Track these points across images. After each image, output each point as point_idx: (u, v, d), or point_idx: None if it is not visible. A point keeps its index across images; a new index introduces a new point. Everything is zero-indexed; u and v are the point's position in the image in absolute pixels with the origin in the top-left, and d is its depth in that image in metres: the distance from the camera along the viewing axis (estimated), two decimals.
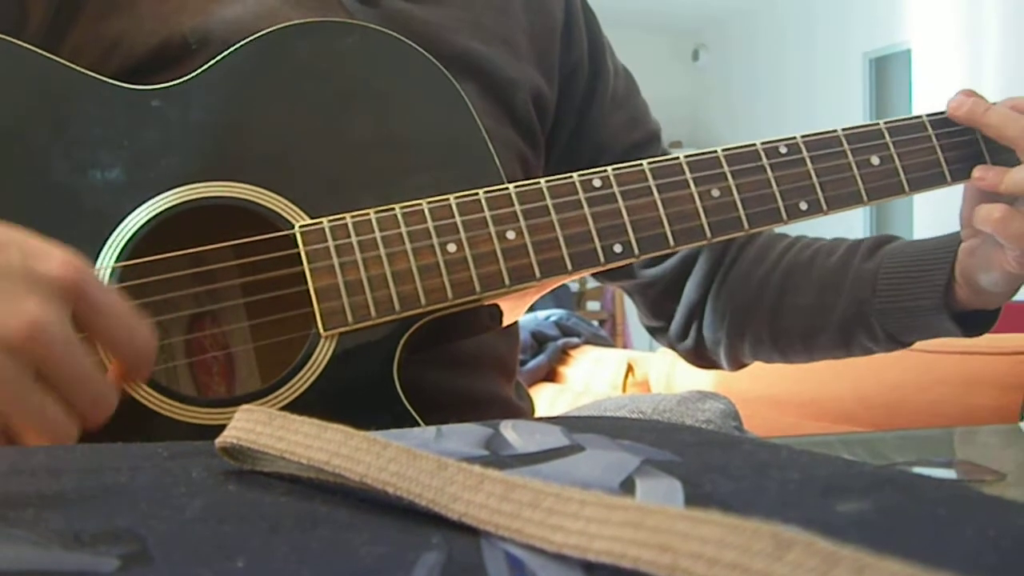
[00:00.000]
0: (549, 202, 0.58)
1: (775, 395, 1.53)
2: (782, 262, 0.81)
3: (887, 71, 5.91)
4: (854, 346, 0.77)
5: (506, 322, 0.64)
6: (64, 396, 0.42)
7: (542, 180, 0.58)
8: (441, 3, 0.73)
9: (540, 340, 2.49)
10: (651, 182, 0.59)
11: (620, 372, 2.19)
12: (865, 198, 0.63)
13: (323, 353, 0.55)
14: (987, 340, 1.37)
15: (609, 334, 3.69)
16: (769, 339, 0.81)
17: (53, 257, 0.43)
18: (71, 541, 0.23)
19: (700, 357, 0.88)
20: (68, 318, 0.43)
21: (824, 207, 0.62)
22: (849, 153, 0.63)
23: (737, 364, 0.85)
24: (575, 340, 2.54)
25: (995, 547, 0.22)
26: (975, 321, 0.70)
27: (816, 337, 0.78)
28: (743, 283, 0.82)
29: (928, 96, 5.16)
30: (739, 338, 0.83)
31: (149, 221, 0.54)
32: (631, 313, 4.07)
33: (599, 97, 0.83)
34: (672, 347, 0.90)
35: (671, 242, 0.59)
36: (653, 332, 0.91)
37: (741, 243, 0.85)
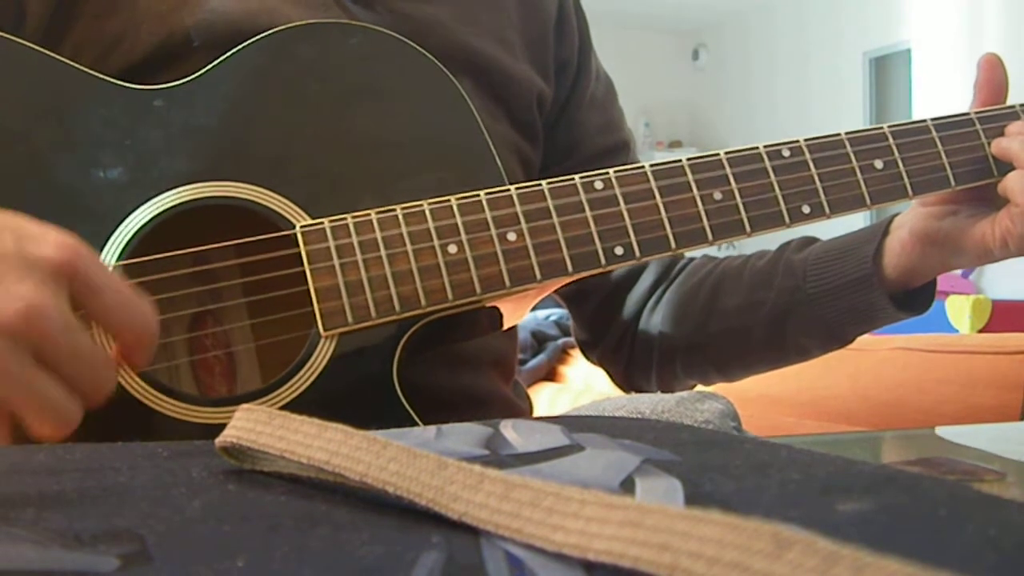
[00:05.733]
0: (550, 204, 0.58)
1: (775, 395, 1.53)
2: (715, 271, 0.81)
3: (887, 71, 5.91)
4: (788, 345, 0.75)
5: (507, 324, 0.64)
6: (65, 378, 0.42)
7: (543, 182, 0.58)
8: (433, 1, 0.73)
9: (540, 339, 2.49)
10: (653, 184, 0.59)
11: None
12: (868, 202, 0.62)
13: (323, 353, 0.55)
14: (987, 340, 1.37)
15: None
16: (701, 349, 0.79)
17: (48, 239, 0.43)
18: (71, 541, 0.23)
19: (629, 378, 0.85)
20: (65, 300, 0.43)
21: (827, 211, 0.62)
22: (852, 156, 0.63)
23: (666, 387, 0.83)
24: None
25: (995, 547, 0.22)
26: (910, 303, 0.70)
27: (748, 338, 0.76)
28: (676, 296, 0.81)
29: (928, 96, 5.16)
30: (671, 353, 0.81)
31: (151, 220, 0.55)
32: None
33: (579, 96, 0.83)
34: (602, 364, 0.88)
35: (673, 244, 0.59)
36: (585, 347, 0.88)
37: (687, 261, 0.85)
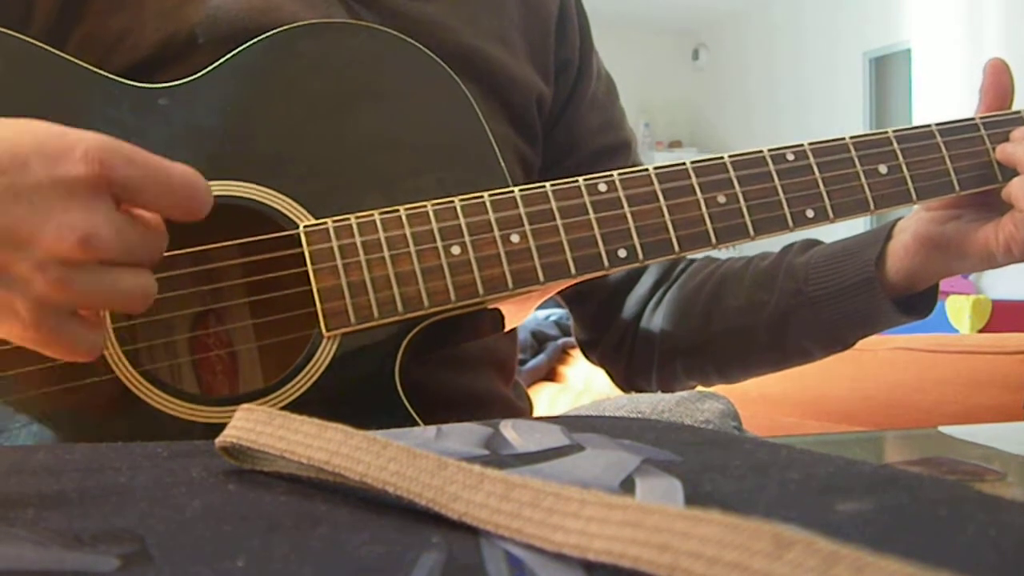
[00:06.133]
0: (554, 206, 0.58)
1: (775, 395, 1.53)
2: (717, 273, 0.81)
3: (887, 70, 5.91)
4: (790, 348, 0.75)
5: (508, 326, 0.64)
6: (135, 263, 0.44)
7: (547, 184, 0.58)
8: (435, 1, 0.73)
9: (540, 339, 2.49)
10: (657, 187, 0.59)
11: None
12: (872, 206, 0.62)
13: (325, 353, 0.55)
14: (988, 340, 1.37)
15: None
16: (702, 350, 0.79)
17: (75, 154, 0.42)
18: (71, 541, 0.23)
19: (629, 378, 0.85)
20: (111, 208, 0.43)
21: (831, 215, 0.61)
22: (857, 161, 0.62)
23: (667, 387, 0.83)
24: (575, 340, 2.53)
25: (995, 547, 0.22)
26: (913, 307, 0.70)
27: (749, 340, 0.76)
28: (678, 296, 0.81)
29: (928, 96, 5.16)
30: (671, 354, 0.81)
31: None
32: None
33: (580, 96, 0.83)
34: (603, 365, 0.88)
35: (676, 247, 0.59)
36: (585, 347, 0.88)
37: (688, 262, 0.85)
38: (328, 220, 0.55)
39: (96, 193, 0.42)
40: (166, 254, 0.53)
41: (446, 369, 0.67)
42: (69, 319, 0.43)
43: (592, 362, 0.89)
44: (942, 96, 4.98)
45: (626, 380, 0.86)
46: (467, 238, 0.56)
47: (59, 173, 0.42)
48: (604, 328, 0.85)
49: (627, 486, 0.28)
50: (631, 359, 0.84)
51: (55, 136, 0.43)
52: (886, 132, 0.64)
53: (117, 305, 0.45)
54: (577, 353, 2.56)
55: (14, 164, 0.42)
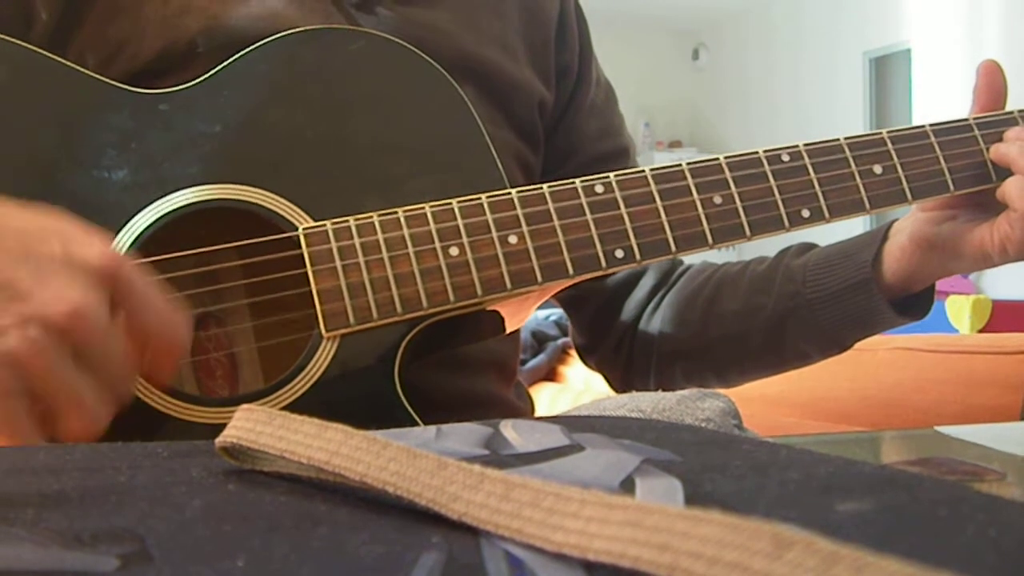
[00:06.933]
0: (551, 207, 0.58)
1: (775, 394, 1.53)
2: (714, 277, 0.81)
3: (887, 70, 5.91)
4: (788, 351, 0.75)
5: (508, 328, 0.65)
6: (98, 380, 0.44)
7: (544, 185, 0.58)
8: (435, 6, 0.73)
9: (540, 339, 2.48)
10: (653, 188, 0.59)
11: None
12: (868, 206, 0.62)
13: (325, 354, 0.55)
14: (987, 340, 1.37)
15: None
16: (700, 354, 0.79)
17: (93, 245, 0.44)
18: (71, 541, 0.23)
19: (627, 382, 0.85)
20: (107, 305, 0.44)
21: (826, 215, 0.62)
22: (852, 161, 0.63)
23: (665, 391, 0.83)
24: None
25: (995, 547, 0.22)
26: (909, 308, 0.70)
27: (747, 343, 0.76)
28: (675, 300, 0.81)
29: (928, 96, 5.16)
30: (669, 358, 0.81)
31: (155, 223, 0.55)
32: None
33: (579, 102, 0.83)
34: (600, 369, 0.87)
35: (673, 247, 0.59)
36: (583, 351, 0.88)
37: (686, 267, 0.85)
38: (327, 222, 0.56)
39: (100, 283, 0.44)
40: (167, 256, 0.54)
41: (446, 370, 0.67)
42: (19, 397, 0.42)
43: (590, 367, 0.89)
44: (942, 96, 4.98)
45: (624, 384, 0.86)
46: (465, 239, 0.56)
47: (74, 253, 0.43)
48: (602, 332, 0.85)
49: (627, 486, 0.28)
50: (629, 363, 0.84)
51: (81, 228, 0.45)
52: (880, 133, 0.64)
53: (68, 409, 0.43)
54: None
55: (36, 234, 0.44)
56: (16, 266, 0.42)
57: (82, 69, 0.57)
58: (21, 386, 0.42)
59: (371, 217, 0.56)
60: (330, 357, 0.55)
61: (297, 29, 0.60)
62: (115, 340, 0.44)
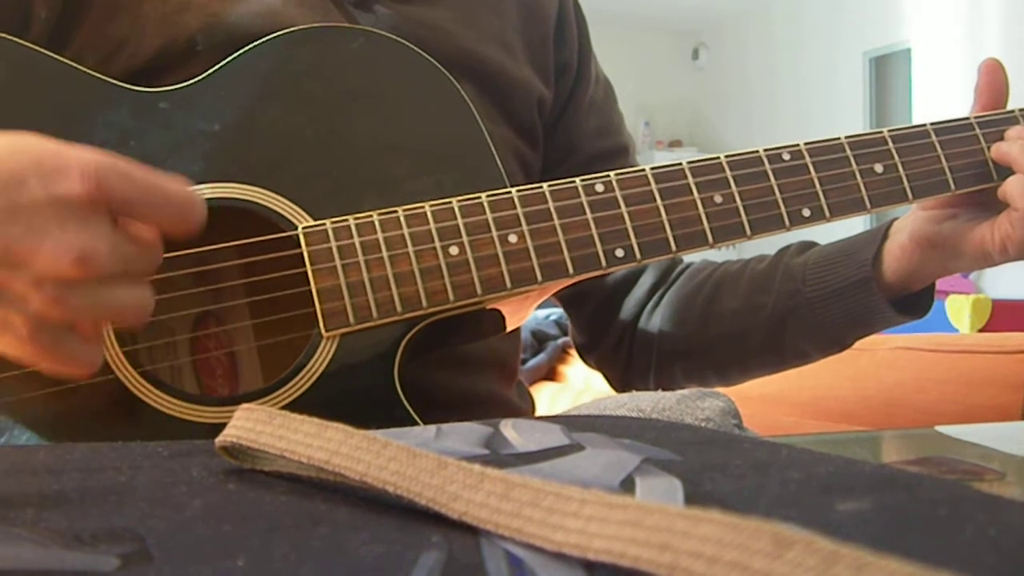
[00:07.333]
0: (551, 206, 0.58)
1: (775, 394, 1.53)
2: (714, 275, 0.81)
3: (887, 70, 5.91)
4: (788, 350, 0.75)
5: (508, 327, 0.64)
6: (129, 279, 0.44)
7: (544, 184, 0.58)
8: (434, 4, 0.73)
9: (540, 339, 2.49)
10: (654, 187, 0.59)
11: None
12: (868, 205, 0.62)
13: (325, 353, 0.55)
14: (987, 339, 1.37)
15: None
16: (700, 353, 0.79)
17: (71, 171, 0.42)
18: (71, 540, 0.23)
19: (627, 381, 0.85)
20: (108, 226, 0.43)
21: (827, 214, 0.62)
22: (852, 160, 0.62)
23: (664, 389, 0.82)
24: None
25: (995, 547, 0.22)
26: (909, 307, 0.70)
27: (746, 342, 0.76)
28: (675, 299, 0.81)
29: (928, 96, 5.16)
30: (669, 356, 0.81)
31: None
32: None
33: (578, 99, 0.83)
34: (600, 367, 0.87)
35: (673, 246, 0.59)
36: (582, 350, 0.88)
37: (686, 265, 0.85)
38: (327, 221, 0.55)
39: (93, 211, 0.42)
40: (166, 255, 0.53)
41: (447, 370, 0.67)
42: (66, 335, 0.43)
43: (590, 365, 0.89)
44: (942, 96, 4.98)
45: (623, 383, 0.86)
46: (465, 238, 0.56)
47: (56, 191, 0.42)
48: (602, 331, 0.85)
49: (627, 485, 0.28)
50: (629, 362, 0.84)
51: (52, 154, 0.43)
52: (881, 132, 0.64)
53: (114, 320, 0.46)
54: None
55: (12, 182, 0.42)
56: (5, 228, 0.41)
57: (81, 67, 0.57)
58: (63, 327, 0.43)
59: (371, 216, 0.56)
60: (330, 356, 0.55)
61: (296, 27, 0.60)
62: (128, 251, 0.44)
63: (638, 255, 0.58)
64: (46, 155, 0.43)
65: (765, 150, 0.62)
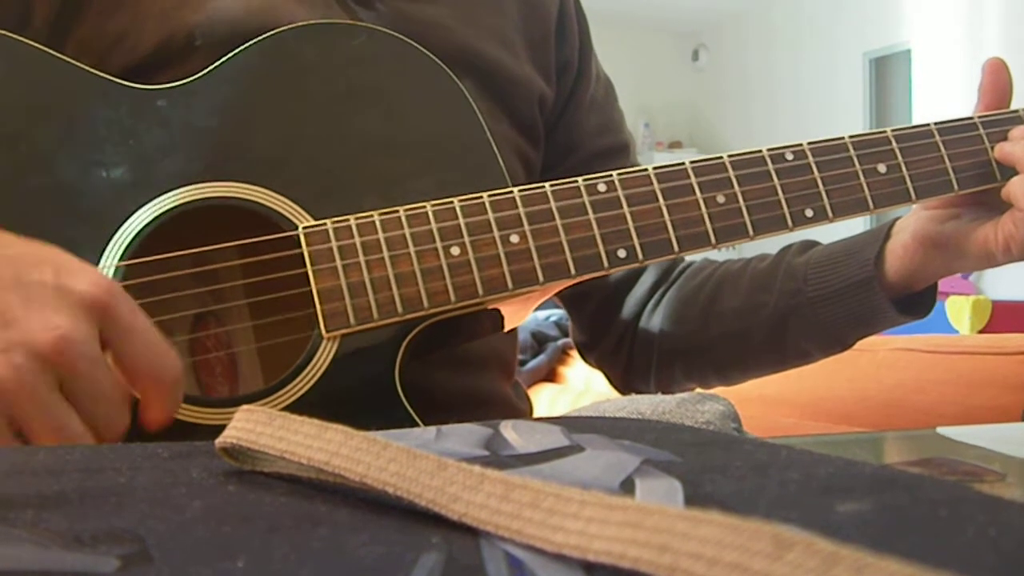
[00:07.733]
0: (553, 206, 0.58)
1: (775, 395, 1.53)
2: (715, 274, 0.81)
3: (887, 71, 5.91)
4: (789, 349, 0.75)
5: (508, 326, 0.64)
6: (82, 412, 0.43)
7: (547, 184, 0.58)
8: (435, 1, 0.73)
9: (540, 340, 2.48)
10: (656, 187, 0.59)
11: None
12: (871, 206, 0.62)
13: (325, 354, 0.55)
14: (987, 340, 1.37)
15: None
16: (701, 352, 0.79)
17: (85, 275, 0.44)
18: (71, 541, 0.23)
19: (627, 380, 0.85)
20: (96, 336, 0.43)
21: (830, 214, 0.61)
22: (856, 160, 0.62)
23: (665, 389, 0.82)
24: None
25: (995, 547, 0.22)
26: (912, 307, 0.70)
27: (748, 341, 0.76)
28: (676, 298, 0.81)
29: (928, 96, 5.16)
30: (670, 355, 0.81)
31: (153, 220, 0.55)
32: None
33: (579, 97, 0.83)
34: (600, 367, 0.87)
35: (676, 247, 0.59)
36: (583, 349, 0.88)
37: (687, 264, 0.85)
38: (327, 221, 0.55)
39: (89, 314, 0.43)
40: (166, 256, 0.53)
41: (447, 370, 0.67)
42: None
43: (590, 364, 0.89)
44: (942, 96, 4.98)
45: (624, 382, 0.86)
46: (466, 239, 0.56)
47: (65, 283, 0.43)
48: (602, 329, 0.85)
49: (627, 487, 0.28)
50: (630, 361, 0.84)
51: (76, 262, 0.45)
52: (884, 132, 0.64)
53: (42, 433, 0.42)
54: (577, 354, 2.56)
55: (28, 262, 0.44)
56: (6, 292, 0.42)
57: (80, 64, 0.57)
58: (2, 410, 0.41)
59: (372, 216, 0.56)
60: (330, 357, 0.55)
61: (296, 24, 0.60)
62: (103, 372, 0.43)
63: (640, 256, 0.58)
64: (70, 260, 0.45)
65: (768, 150, 0.62)
